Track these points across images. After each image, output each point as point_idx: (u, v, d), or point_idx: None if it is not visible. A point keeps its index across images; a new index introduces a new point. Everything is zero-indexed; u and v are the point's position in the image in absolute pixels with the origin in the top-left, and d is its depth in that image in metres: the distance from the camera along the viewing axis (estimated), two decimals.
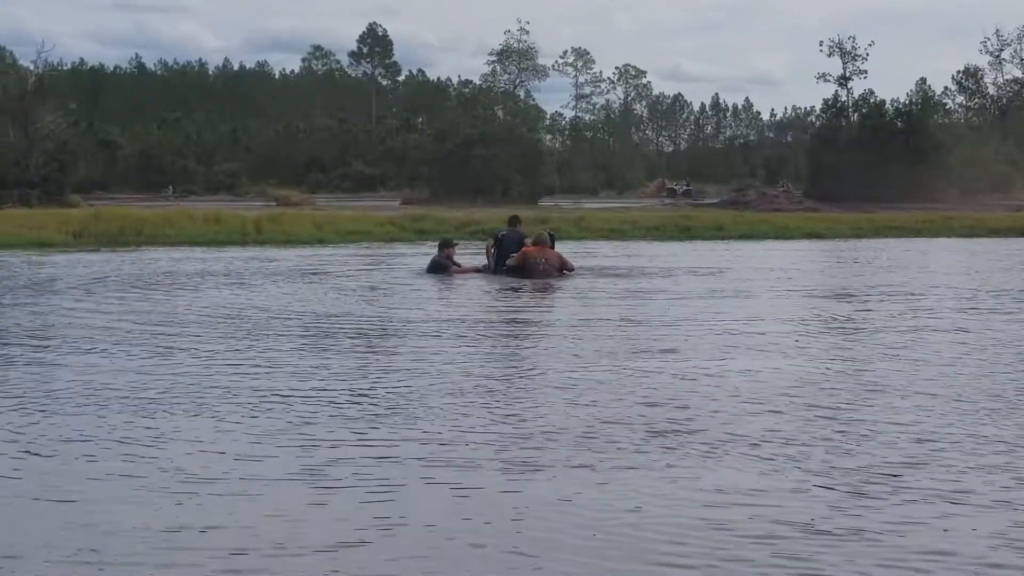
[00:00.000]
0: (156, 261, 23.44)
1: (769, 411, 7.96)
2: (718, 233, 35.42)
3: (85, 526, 5.38)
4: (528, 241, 20.72)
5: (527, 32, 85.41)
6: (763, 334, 12.27)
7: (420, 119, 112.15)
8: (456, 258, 21.01)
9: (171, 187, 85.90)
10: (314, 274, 20.45)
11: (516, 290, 17.70)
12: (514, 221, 22.05)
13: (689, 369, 9.77)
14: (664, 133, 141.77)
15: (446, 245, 21.45)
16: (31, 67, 63.89)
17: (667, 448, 6.85)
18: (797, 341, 11.88)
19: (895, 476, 6.23)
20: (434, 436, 7.20)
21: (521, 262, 19.97)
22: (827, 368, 9.99)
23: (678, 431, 7.31)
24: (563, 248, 21.66)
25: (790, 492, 5.91)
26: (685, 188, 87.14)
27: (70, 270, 21.01)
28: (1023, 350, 11.21)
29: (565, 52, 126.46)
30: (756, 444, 6.94)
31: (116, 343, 11.31)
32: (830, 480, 6.14)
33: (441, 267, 20.50)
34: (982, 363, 10.24)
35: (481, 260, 21.45)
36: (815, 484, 6.05)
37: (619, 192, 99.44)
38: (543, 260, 19.99)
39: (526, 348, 11.61)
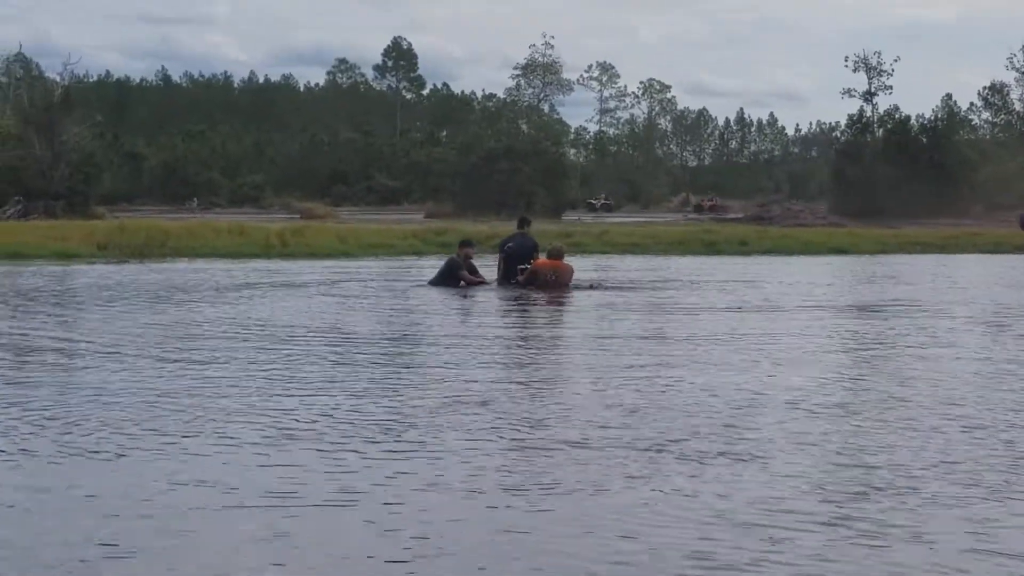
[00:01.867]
0: (178, 273, 23.48)
1: (791, 420, 7.92)
2: (742, 248, 35.35)
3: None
4: (542, 255, 20.27)
5: (552, 46, 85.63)
6: (783, 348, 12.23)
7: (444, 132, 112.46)
8: (474, 263, 20.78)
9: (195, 199, 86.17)
10: (327, 285, 20.46)
11: (526, 306, 17.61)
12: (523, 223, 21.51)
13: (705, 383, 9.72)
14: (688, 148, 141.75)
15: (466, 244, 21.16)
16: (57, 79, 64.10)
17: (683, 460, 6.81)
18: (815, 355, 11.83)
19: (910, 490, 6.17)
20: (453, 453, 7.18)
21: (531, 277, 19.67)
22: (848, 382, 9.94)
23: (704, 443, 7.27)
24: (587, 262, 21.51)
25: (802, 503, 5.86)
26: (711, 203, 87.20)
27: (94, 281, 21.07)
28: None
29: (590, 66, 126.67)
30: (773, 455, 6.90)
31: (126, 354, 11.30)
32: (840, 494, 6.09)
33: (454, 268, 20.29)
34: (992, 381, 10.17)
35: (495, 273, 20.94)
36: (825, 498, 6.00)
37: (643, 206, 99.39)
38: (553, 275, 19.68)
39: (546, 362, 11.57)
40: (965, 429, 7.90)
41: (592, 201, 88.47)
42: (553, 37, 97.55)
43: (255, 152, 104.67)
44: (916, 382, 10.01)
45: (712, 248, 35.24)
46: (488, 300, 18.26)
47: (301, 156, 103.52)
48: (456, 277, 20.14)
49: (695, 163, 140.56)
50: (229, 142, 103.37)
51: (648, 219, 65.90)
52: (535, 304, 17.75)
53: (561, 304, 18.00)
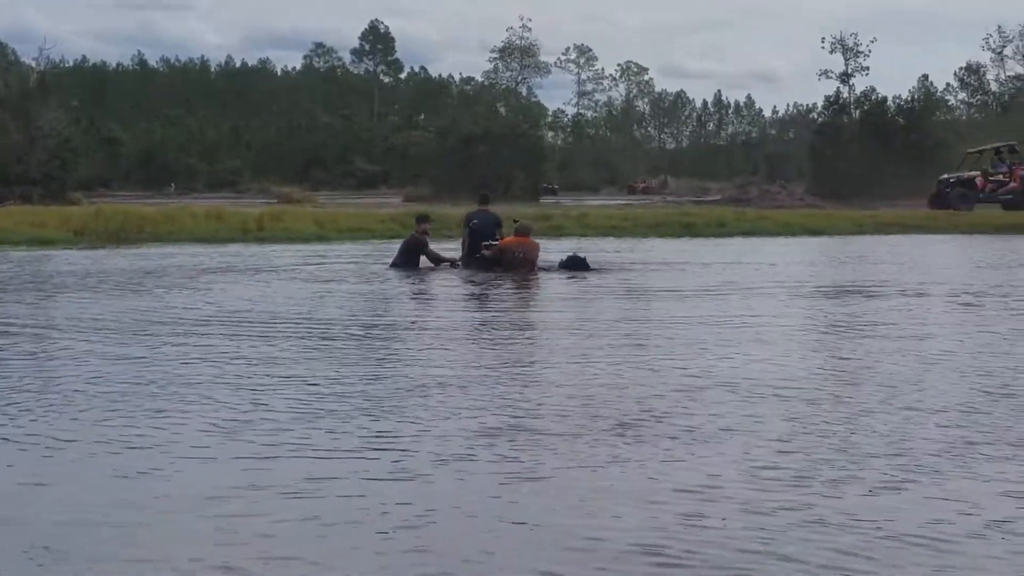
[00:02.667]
0: (154, 258, 23.43)
1: (760, 402, 7.96)
2: (720, 230, 35.38)
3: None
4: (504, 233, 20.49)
5: (529, 29, 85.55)
6: (757, 329, 12.29)
7: (422, 116, 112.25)
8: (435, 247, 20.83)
9: (173, 184, 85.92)
10: (293, 270, 20.46)
11: (501, 290, 17.63)
12: (484, 199, 21.77)
13: (675, 364, 9.76)
14: (666, 130, 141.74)
15: (422, 220, 21.17)
16: (33, 64, 63.94)
17: (649, 439, 6.84)
18: (788, 335, 11.88)
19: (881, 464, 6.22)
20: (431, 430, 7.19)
21: (498, 254, 19.77)
22: (817, 361, 10.00)
23: (662, 424, 7.30)
24: (566, 245, 21.57)
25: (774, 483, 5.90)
26: (644, 184, 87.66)
27: (70, 266, 21.02)
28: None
29: (567, 49, 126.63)
30: (743, 434, 6.94)
31: (103, 339, 11.30)
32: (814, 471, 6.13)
33: (415, 247, 20.26)
34: (974, 359, 10.23)
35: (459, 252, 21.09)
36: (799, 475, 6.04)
37: (620, 189, 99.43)
38: (521, 253, 19.78)
39: (520, 346, 11.60)
40: (928, 412, 7.97)
41: (635, 184, 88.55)
42: (531, 20, 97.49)
43: (232, 137, 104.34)
44: (879, 364, 10.07)
45: (690, 230, 35.27)
46: (465, 284, 18.25)
47: (279, 141, 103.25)
48: (417, 256, 20.16)
49: (673, 145, 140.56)
50: (206, 127, 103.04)
51: (627, 201, 65.92)
52: (511, 288, 17.75)
53: (536, 287, 18.02)
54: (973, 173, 51.25)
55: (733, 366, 9.69)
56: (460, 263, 20.61)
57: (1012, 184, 49.78)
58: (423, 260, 20.36)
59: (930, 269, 22.68)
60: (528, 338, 12.17)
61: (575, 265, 20.08)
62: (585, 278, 19.03)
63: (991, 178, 50.30)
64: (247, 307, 14.28)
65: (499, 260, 19.72)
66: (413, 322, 13.32)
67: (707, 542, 5.01)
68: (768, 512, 5.45)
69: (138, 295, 15.87)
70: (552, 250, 21.83)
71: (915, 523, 5.30)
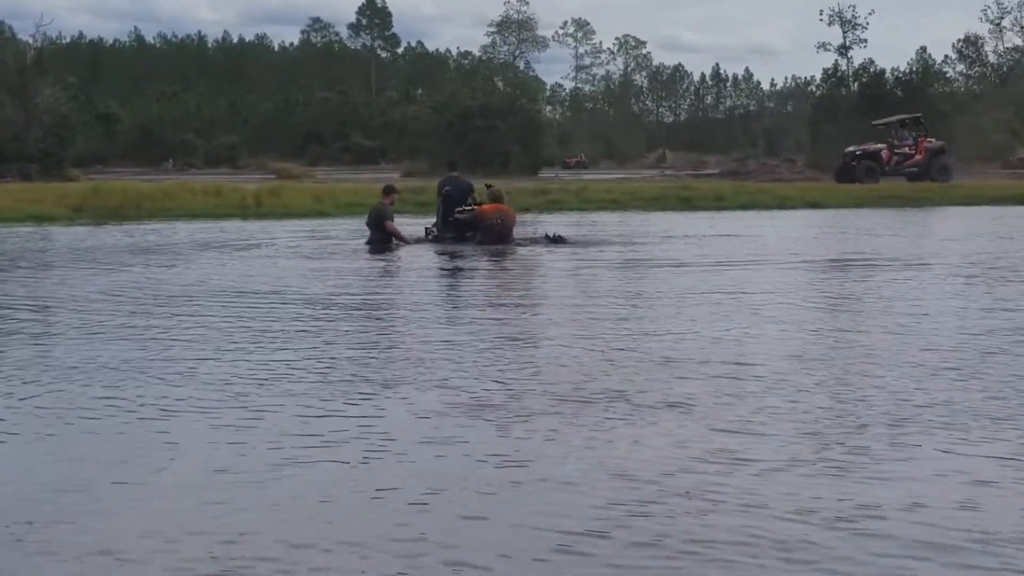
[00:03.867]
0: (152, 234, 23.45)
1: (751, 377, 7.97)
2: (719, 203, 35.38)
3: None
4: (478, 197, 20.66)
5: (527, 3, 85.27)
6: (750, 302, 12.30)
7: (420, 91, 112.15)
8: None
9: (170, 160, 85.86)
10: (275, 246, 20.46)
11: (492, 264, 17.64)
12: (453, 166, 22.72)
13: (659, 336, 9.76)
14: (664, 104, 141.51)
15: (391, 191, 21.12)
16: (30, 41, 63.73)
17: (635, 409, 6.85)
18: (783, 309, 11.88)
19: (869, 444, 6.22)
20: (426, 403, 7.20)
21: (476, 220, 19.96)
22: (816, 336, 10.00)
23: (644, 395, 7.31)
24: (565, 219, 21.63)
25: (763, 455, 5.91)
26: (577, 159, 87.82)
27: (69, 243, 21.04)
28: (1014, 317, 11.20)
29: (565, 23, 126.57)
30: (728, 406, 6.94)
31: (100, 316, 11.31)
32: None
33: (383, 217, 20.18)
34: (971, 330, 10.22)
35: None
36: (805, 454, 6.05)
37: (619, 163, 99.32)
38: (499, 219, 20.03)
39: (515, 321, 11.61)
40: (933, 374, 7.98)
41: (568, 160, 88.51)
42: None
43: (230, 113, 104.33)
44: (869, 333, 10.08)
45: (688, 204, 35.28)
46: (456, 260, 18.22)
47: (276, 116, 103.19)
48: (384, 226, 20.08)
49: (671, 119, 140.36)
50: (204, 103, 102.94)
51: (625, 175, 65.88)
52: (500, 263, 17.74)
53: (532, 261, 18.02)
54: (879, 146, 51.17)
55: (713, 340, 9.69)
56: (436, 229, 20.86)
57: (917, 157, 49.78)
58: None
59: (933, 241, 22.68)
60: (520, 313, 12.15)
61: (554, 241, 20.18)
62: (574, 252, 19.06)
63: (896, 151, 50.23)
64: (239, 284, 14.26)
65: (475, 225, 19.96)
66: (411, 299, 13.28)
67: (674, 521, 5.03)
68: (758, 494, 5.47)
69: (136, 271, 15.87)
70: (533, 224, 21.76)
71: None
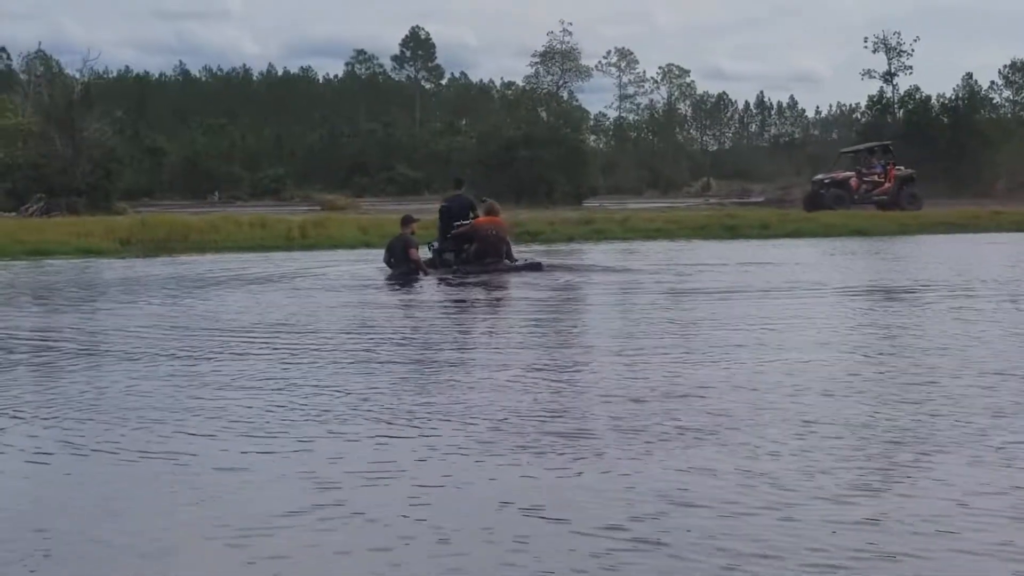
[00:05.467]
0: (198, 266, 23.56)
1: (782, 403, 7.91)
2: (764, 232, 35.20)
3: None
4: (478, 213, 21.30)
5: (570, 33, 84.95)
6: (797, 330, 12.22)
7: (464, 122, 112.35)
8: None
9: (217, 193, 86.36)
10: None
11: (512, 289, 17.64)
12: (459, 184, 23.13)
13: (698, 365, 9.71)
14: (708, 132, 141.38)
15: (409, 221, 21.19)
16: (77, 76, 64.20)
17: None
18: (822, 336, 11.80)
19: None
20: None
21: (471, 232, 20.67)
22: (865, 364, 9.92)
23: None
24: (609, 248, 21.62)
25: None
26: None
27: (117, 275, 21.16)
28: None
29: (608, 52, 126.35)
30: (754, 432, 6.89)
31: (147, 352, 11.35)
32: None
33: (408, 246, 20.31)
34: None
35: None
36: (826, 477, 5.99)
37: (664, 192, 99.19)
38: (493, 231, 20.78)
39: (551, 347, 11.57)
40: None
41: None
42: (571, 24, 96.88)
43: (275, 145, 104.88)
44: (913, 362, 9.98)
45: (733, 232, 35.13)
46: (488, 288, 18.22)
47: (321, 148, 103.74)
48: (410, 254, 20.26)
49: (715, 147, 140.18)
50: (249, 135, 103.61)
51: (669, 204, 65.78)
52: (539, 291, 17.74)
53: (573, 291, 18.01)
54: (847, 174, 50.59)
55: (758, 368, 9.63)
56: (436, 243, 21.45)
57: (887, 184, 49.25)
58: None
59: (975, 268, 22.49)
60: (565, 343, 12.11)
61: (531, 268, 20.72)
62: (619, 280, 19.09)
63: (865, 179, 49.74)
64: (284, 316, 14.31)
65: (471, 237, 20.66)
66: (456, 331, 13.27)
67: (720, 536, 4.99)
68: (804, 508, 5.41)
69: (182, 303, 15.94)
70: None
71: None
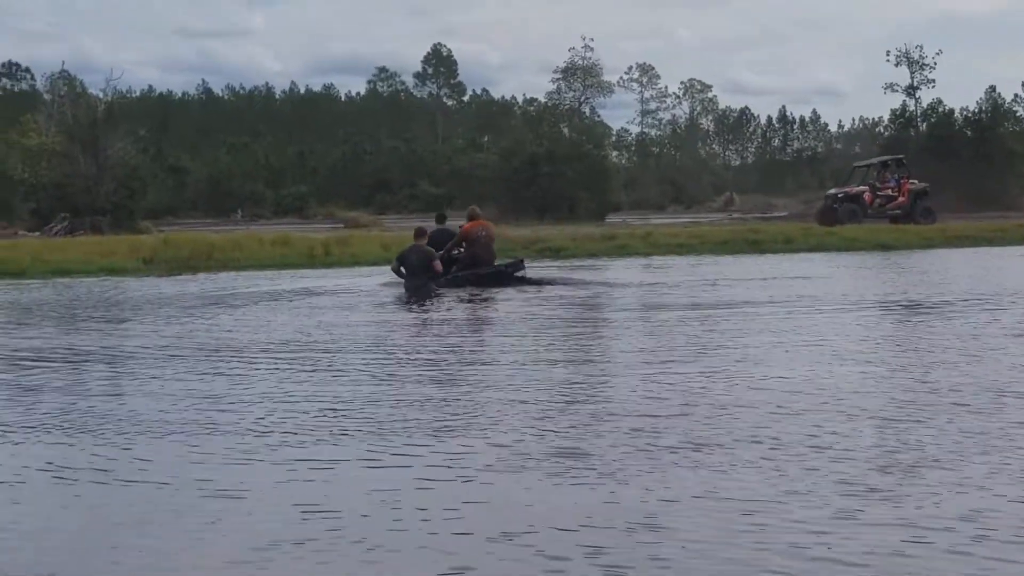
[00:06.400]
0: (223, 284, 23.59)
1: (806, 417, 7.85)
2: (787, 246, 35.11)
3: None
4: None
5: (591, 49, 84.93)
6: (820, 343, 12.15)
7: (486, 138, 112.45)
8: None
9: (240, 211, 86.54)
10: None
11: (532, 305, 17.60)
12: (441, 219, 24.48)
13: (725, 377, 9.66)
14: (731, 147, 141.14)
15: (422, 233, 21.87)
16: (100, 95, 64.42)
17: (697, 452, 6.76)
18: (843, 349, 11.73)
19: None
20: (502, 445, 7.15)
21: (463, 237, 21.79)
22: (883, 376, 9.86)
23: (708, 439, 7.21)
24: (632, 263, 21.63)
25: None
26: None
27: (141, 294, 21.21)
28: None
29: (630, 68, 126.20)
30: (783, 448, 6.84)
31: (171, 366, 11.35)
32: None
33: (431, 259, 20.64)
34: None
35: None
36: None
37: (686, 207, 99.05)
38: (484, 232, 22.14)
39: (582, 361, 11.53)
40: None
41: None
42: (592, 40, 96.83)
43: (298, 163, 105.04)
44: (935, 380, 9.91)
45: (757, 247, 35.04)
46: (513, 303, 18.18)
47: (344, 165, 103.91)
48: (433, 267, 20.71)
49: (738, 162, 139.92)
50: (272, 153, 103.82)
51: (692, 219, 65.68)
52: (563, 306, 17.72)
53: (597, 306, 17.98)
54: (861, 188, 50.19)
55: (789, 382, 9.58)
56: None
57: (901, 199, 48.91)
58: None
59: (1005, 280, 22.38)
60: (593, 357, 12.08)
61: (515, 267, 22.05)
62: (641, 295, 19.05)
63: (879, 193, 49.41)
64: (309, 334, 14.30)
65: (463, 242, 21.79)
66: (486, 346, 13.24)
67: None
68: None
69: (204, 321, 15.97)
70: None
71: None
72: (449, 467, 6.86)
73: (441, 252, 21.58)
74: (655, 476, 6.52)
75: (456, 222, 24.51)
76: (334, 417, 8.47)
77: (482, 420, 8.27)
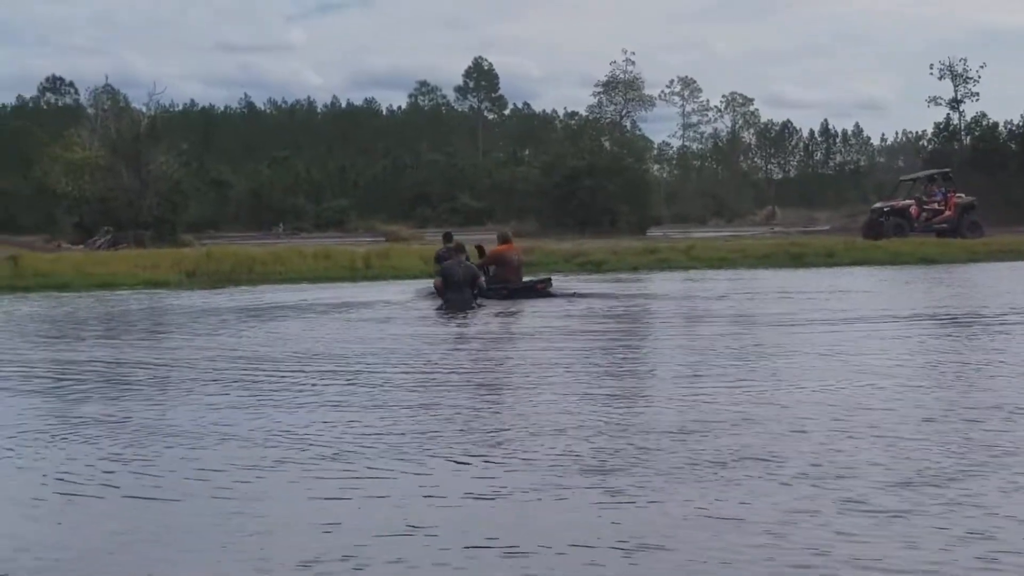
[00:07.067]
0: (264, 297, 23.64)
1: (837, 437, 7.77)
2: (829, 260, 34.95)
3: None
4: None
5: (633, 63, 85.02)
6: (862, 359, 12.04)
7: (526, 152, 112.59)
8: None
9: (281, 225, 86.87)
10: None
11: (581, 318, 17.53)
12: (449, 237, 24.89)
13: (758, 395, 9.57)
14: (773, 160, 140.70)
15: (460, 249, 21.76)
16: (144, 109, 64.78)
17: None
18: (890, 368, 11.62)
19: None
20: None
21: (498, 257, 22.26)
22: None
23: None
24: (674, 276, 21.62)
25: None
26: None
27: (183, 307, 21.29)
28: None
29: (671, 81, 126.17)
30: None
31: (218, 382, 11.35)
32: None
33: (475, 276, 20.68)
34: None
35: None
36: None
37: (728, 221, 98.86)
38: (516, 257, 22.74)
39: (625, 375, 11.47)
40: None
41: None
42: (634, 53, 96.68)
43: (339, 176, 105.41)
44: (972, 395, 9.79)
45: (799, 261, 34.88)
46: (544, 318, 18.14)
47: (385, 179, 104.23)
48: (477, 283, 20.66)
49: (780, 176, 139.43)
50: (313, 167, 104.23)
51: (734, 233, 65.51)
52: (601, 319, 17.67)
53: (636, 319, 17.91)
54: (907, 202, 49.73)
55: (833, 399, 9.48)
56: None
57: (947, 212, 48.44)
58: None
59: None
60: (635, 371, 12.02)
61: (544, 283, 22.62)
62: (685, 308, 18.97)
63: (925, 207, 48.96)
64: (344, 347, 14.29)
65: (497, 262, 22.17)
66: (528, 361, 13.19)
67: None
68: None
69: (247, 334, 15.99)
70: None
71: None
72: (480, 484, 6.80)
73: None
74: (682, 493, 6.45)
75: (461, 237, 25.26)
76: (375, 433, 8.43)
77: (525, 433, 8.23)
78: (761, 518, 5.84)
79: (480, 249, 22.78)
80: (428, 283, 22.78)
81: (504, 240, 23.12)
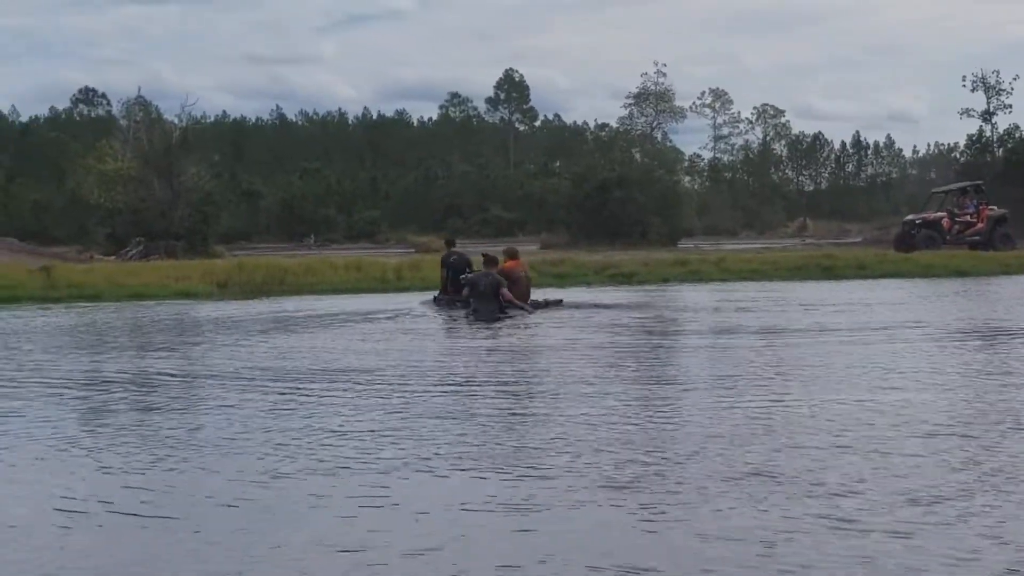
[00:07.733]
0: (295, 308, 23.71)
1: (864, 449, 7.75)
2: (861, 272, 34.82)
3: None
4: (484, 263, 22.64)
5: (664, 74, 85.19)
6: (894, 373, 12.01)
7: (557, 163, 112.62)
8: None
9: (312, 236, 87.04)
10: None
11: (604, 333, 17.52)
12: (451, 243, 25.50)
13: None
14: (804, 172, 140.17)
15: (494, 261, 21.89)
16: (175, 121, 65.08)
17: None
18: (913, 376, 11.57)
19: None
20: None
21: (506, 274, 21.72)
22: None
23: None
24: (705, 288, 21.57)
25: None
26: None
27: (215, 318, 21.35)
28: None
29: (703, 93, 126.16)
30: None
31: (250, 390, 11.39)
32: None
33: (499, 287, 20.76)
34: None
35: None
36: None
37: (759, 233, 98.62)
38: (524, 272, 22.66)
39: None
40: None
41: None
42: (665, 65, 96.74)
43: (370, 188, 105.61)
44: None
45: (830, 273, 34.77)
46: (588, 331, 18.12)
47: (416, 190, 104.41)
48: (502, 295, 20.82)
49: (811, 188, 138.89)
50: (344, 178, 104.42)
51: (765, 245, 65.35)
52: (629, 331, 17.65)
53: (664, 331, 17.90)
54: (939, 214, 49.33)
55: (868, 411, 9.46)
56: (441, 294, 23.59)
57: (979, 225, 48.07)
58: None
59: None
60: (663, 384, 12.00)
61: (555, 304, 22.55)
62: (715, 321, 18.95)
63: (958, 219, 48.59)
64: (373, 359, 14.32)
65: (509, 277, 21.64)
66: (556, 374, 13.19)
67: None
68: None
69: (279, 346, 16.03)
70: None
71: None
72: (505, 497, 6.81)
73: (464, 277, 22.51)
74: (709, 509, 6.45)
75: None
76: (404, 444, 8.45)
77: (552, 448, 8.23)
78: (793, 532, 5.84)
79: (486, 257, 22.45)
80: (430, 295, 23.96)
81: (512, 256, 22.99)
